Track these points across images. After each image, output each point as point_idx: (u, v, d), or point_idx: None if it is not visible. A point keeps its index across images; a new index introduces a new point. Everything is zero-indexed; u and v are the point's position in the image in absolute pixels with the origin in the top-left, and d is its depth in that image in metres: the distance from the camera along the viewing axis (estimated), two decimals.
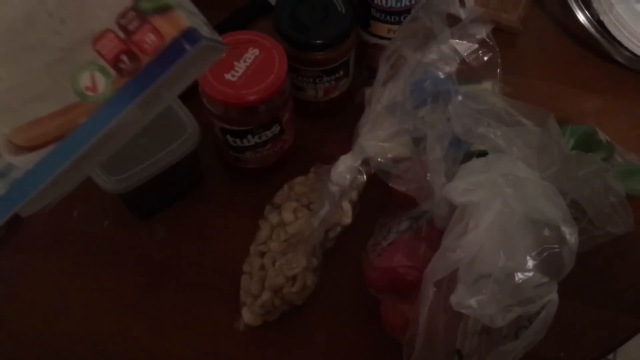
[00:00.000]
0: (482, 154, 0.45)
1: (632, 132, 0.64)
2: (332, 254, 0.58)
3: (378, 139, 0.47)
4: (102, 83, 0.26)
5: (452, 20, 0.49)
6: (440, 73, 0.44)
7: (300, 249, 0.55)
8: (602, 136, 0.60)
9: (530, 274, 0.37)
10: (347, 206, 0.57)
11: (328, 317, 0.56)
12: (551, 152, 0.42)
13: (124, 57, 0.26)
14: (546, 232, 0.38)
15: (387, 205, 0.57)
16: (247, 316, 0.55)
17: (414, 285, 0.49)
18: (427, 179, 0.47)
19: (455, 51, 0.44)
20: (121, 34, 0.26)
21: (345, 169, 0.50)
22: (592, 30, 0.67)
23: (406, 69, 0.44)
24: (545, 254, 0.37)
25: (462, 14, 0.68)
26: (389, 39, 0.62)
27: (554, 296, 0.36)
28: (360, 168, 0.52)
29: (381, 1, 0.58)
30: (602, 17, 0.65)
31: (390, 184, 0.49)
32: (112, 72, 0.26)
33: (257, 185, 0.62)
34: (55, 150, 0.26)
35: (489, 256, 0.37)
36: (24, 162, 0.26)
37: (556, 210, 0.38)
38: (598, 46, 0.67)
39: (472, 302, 0.36)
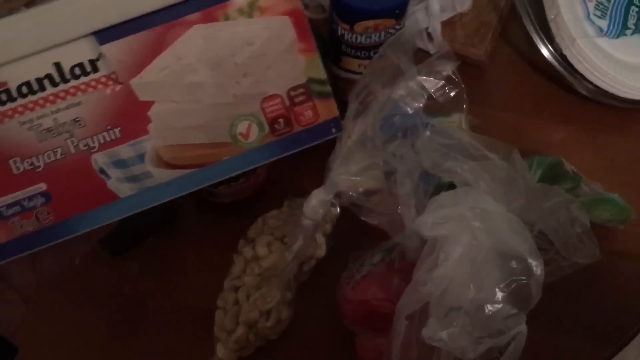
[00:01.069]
0: (452, 186, 0.46)
1: (597, 162, 0.66)
2: (306, 287, 0.58)
3: (349, 173, 0.48)
4: (254, 134, 0.31)
5: (420, 56, 0.50)
6: (408, 108, 0.45)
7: (275, 282, 0.55)
8: (568, 167, 0.61)
9: (500, 306, 0.37)
10: (321, 239, 0.58)
11: (303, 352, 0.56)
12: (517, 185, 0.43)
13: (281, 120, 0.31)
14: (513, 264, 0.38)
15: (361, 238, 0.57)
16: (222, 352, 0.54)
17: (388, 318, 0.49)
18: (399, 211, 0.48)
19: (423, 87, 0.45)
20: (287, 102, 0.31)
21: (317, 203, 0.51)
22: (555, 64, 0.69)
23: (375, 105, 0.45)
24: (513, 286, 0.38)
25: (431, 48, 0.70)
26: (360, 73, 0.63)
27: (522, 327, 0.37)
28: (333, 201, 0.53)
29: (351, 37, 0.60)
30: (564, 52, 0.68)
31: (362, 218, 0.49)
32: (267, 128, 0.31)
33: (230, 219, 0.62)
34: (192, 174, 0.30)
35: (459, 289, 0.38)
36: (161, 175, 0.30)
37: (522, 242, 0.39)
38: (562, 79, 0.69)
39: (444, 335, 0.36)
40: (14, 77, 0.28)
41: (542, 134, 0.69)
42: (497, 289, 0.38)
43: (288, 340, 0.56)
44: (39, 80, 0.28)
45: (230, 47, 0.29)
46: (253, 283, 0.55)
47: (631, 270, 0.60)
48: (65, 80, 0.28)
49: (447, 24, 0.71)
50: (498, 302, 0.38)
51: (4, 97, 0.28)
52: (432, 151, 0.42)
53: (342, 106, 0.66)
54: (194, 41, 0.29)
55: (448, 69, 0.44)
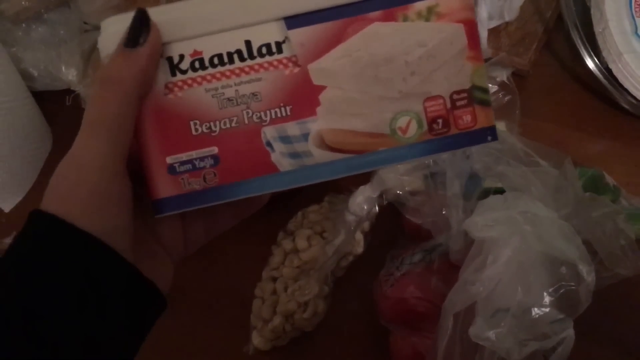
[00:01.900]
0: (499, 191, 0.46)
1: (637, 177, 0.66)
2: (342, 283, 0.59)
3: (398, 172, 0.48)
4: (413, 130, 0.32)
5: None
6: None
7: (313, 275, 0.56)
8: (609, 180, 0.62)
9: (547, 310, 0.38)
10: (359, 236, 0.59)
11: (336, 345, 0.57)
12: (566, 193, 0.43)
13: (440, 121, 0.32)
14: (563, 270, 0.39)
15: (397, 237, 0.58)
16: (257, 340, 0.55)
17: (424, 317, 0.50)
18: (443, 213, 0.48)
19: None
20: (448, 104, 0.32)
21: (363, 200, 0.52)
22: (600, 77, 0.69)
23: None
24: (562, 291, 0.38)
25: None
26: None
27: (570, 332, 0.37)
28: (378, 197, 0.54)
29: None
30: (610, 65, 0.68)
31: (407, 216, 0.50)
32: (425, 127, 0.32)
33: (270, 212, 0.63)
34: (348, 160, 0.32)
35: (507, 291, 0.39)
36: (320, 156, 0.32)
37: (573, 248, 0.39)
38: (605, 92, 0.69)
39: (491, 334, 0.37)
40: (209, 48, 0.31)
41: (582, 146, 0.69)
42: (545, 293, 0.38)
43: (322, 333, 0.57)
44: (230, 54, 0.31)
45: (404, 45, 0.31)
46: (291, 275, 0.56)
47: None
48: (252, 57, 0.31)
49: (492, 32, 0.72)
50: (545, 306, 0.38)
51: (197, 64, 0.31)
52: (484, 154, 0.43)
53: None
54: (372, 37, 0.31)
55: (503, 74, 0.45)
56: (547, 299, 0.38)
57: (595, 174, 0.61)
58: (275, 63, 0.31)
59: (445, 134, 0.32)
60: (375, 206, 0.56)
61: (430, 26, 0.31)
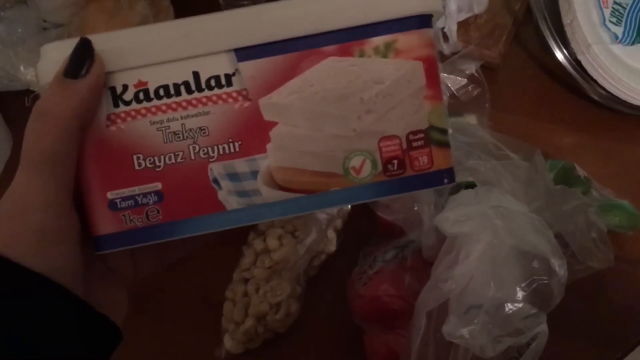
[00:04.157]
0: (470, 185, 0.46)
1: (608, 169, 0.66)
2: (315, 282, 0.58)
3: None
4: (367, 171, 0.31)
5: (440, 57, 0.50)
6: None
7: (285, 276, 0.54)
8: (580, 171, 0.62)
9: (520, 305, 0.38)
10: (332, 234, 0.58)
11: (311, 346, 0.56)
12: (537, 186, 0.43)
13: (395, 162, 0.31)
14: (535, 264, 0.38)
15: (370, 234, 0.57)
16: (229, 343, 0.54)
17: (398, 315, 0.49)
18: (415, 209, 0.48)
19: (446, 85, 0.45)
20: (404, 145, 0.31)
21: None
22: (569, 68, 0.69)
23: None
24: (534, 285, 0.38)
25: (446, 48, 0.70)
26: None
27: (543, 327, 0.37)
28: None
29: None
30: (579, 57, 0.68)
31: (378, 213, 0.49)
32: (380, 167, 0.31)
33: None
34: (298, 200, 0.31)
35: (480, 287, 0.38)
36: (270, 195, 0.30)
37: (545, 242, 0.39)
38: (575, 84, 0.69)
39: (464, 332, 0.36)
40: (155, 78, 0.29)
41: (553, 138, 0.69)
42: (517, 288, 0.38)
43: (296, 333, 0.56)
44: (176, 86, 0.30)
45: (360, 82, 0.30)
46: (263, 275, 0.55)
47: (639, 277, 0.60)
48: (200, 90, 0.30)
49: (462, 25, 0.71)
50: (518, 302, 0.38)
51: (141, 95, 0.30)
52: (454, 149, 0.42)
53: None
54: (326, 72, 0.30)
55: (472, 67, 0.44)
56: (520, 294, 0.38)
57: (566, 165, 0.61)
58: (224, 96, 0.30)
59: (400, 176, 0.31)
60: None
61: (387, 63, 0.30)
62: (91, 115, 0.29)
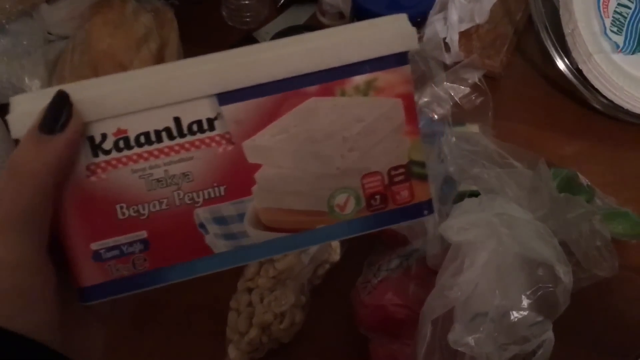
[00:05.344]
0: (474, 194, 0.46)
1: (611, 177, 0.66)
2: (319, 291, 0.58)
3: None
4: (351, 207, 0.31)
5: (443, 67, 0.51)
6: (434, 115, 0.46)
7: (289, 285, 0.54)
8: (583, 180, 0.62)
9: (525, 313, 0.38)
10: (335, 243, 0.58)
11: (315, 356, 0.56)
12: (541, 195, 0.43)
13: (377, 197, 0.31)
14: (540, 272, 0.38)
15: (374, 244, 0.57)
16: (234, 353, 0.54)
17: (403, 324, 0.49)
18: None
19: (449, 94, 0.45)
20: (386, 180, 0.31)
21: None
22: (571, 77, 0.69)
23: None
24: (539, 293, 0.38)
25: (447, 58, 0.71)
26: None
27: (549, 335, 0.37)
28: None
29: None
30: (580, 66, 0.68)
31: None
32: (363, 203, 0.31)
33: None
34: (285, 239, 0.31)
35: (485, 294, 0.38)
36: (257, 236, 0.30)
37: (550, 250, 0.39)
38: (577, 93, 0.70)
39: (470, 340, 0.36)
40: (135, 126, 0.29)
41: (555, 146, 0.69)
42: (523, 296, 0.38)
43: (300, 343, 0.56)
44: (157, 132, 0.29)
45: (342, 121, 0.30)
46: (267, 285, 0.55)
47: None
48: (182, 135, 0.29)
49: (464, 35, 0.72)
50: (524, 309, 0.38)
51: (121, 144, 0.29)
52: (459, 157, 0.42)
53: None
54: (309, 112, 0.30)
55: (474, 76, 0.45)
56: (525, 302, 0.38)
57: (569, 174, 0.61)
58: (207, 141, 0.29)
59: (382, 210, 0.31)
60: None
61: (368, 101, 0.30)
62: (68, 170, 0.28)
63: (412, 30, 0.29)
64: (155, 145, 0.29)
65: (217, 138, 0.29)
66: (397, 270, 0.51)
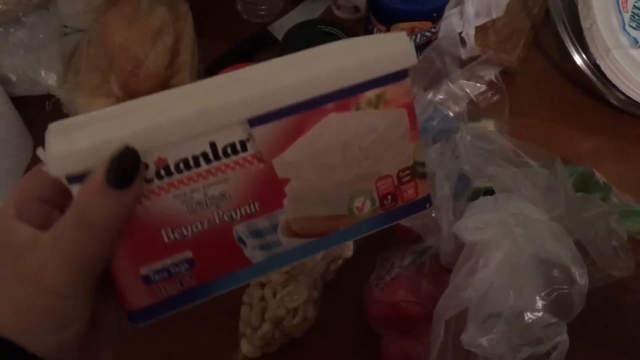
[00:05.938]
0: (489, 191, 0.46)
1: (627, 174, 0.65)
2: (332, 287, 0.58)
3: None
4: (367, 208, 0.34)
5: (459, 62, 0.50)
6: (449, 112, 0.45)
7: (302, 281, 0.55)
8: (599, 177, 0.61)
9: (540, 314, 0.37)
10: None
11: (327, 351, 0.56)
12: (557, 194, 0.43)
13: (389, 197, 0.35)
14: (555, 273, 0.38)
15: (387, 240, 0.57)
16: (246, 348, 0.54)
17: (415, 321, 0.49)
18: (433, 215, 0.47)
19: (465, 91, 0.45)
20: (396, 181, 0.35)
21: None
22: (588, 73, 0.68)
23: (416, 108, 0.45)
24: (554, 294, 0.38)
25: (463, 53, 0.70)
26: None
27: (564, 337, 0.37)
28: None
29: None
30: (598, 61, 0.67)
31: None
32: (377, 203, 0.35)
33: None
34: (313, 243, 0.34)
35: (499, 295, 0.38)
36: (289, 243, 0.33)
37: (565, 251, 0.39)
38: (594, 89, 0.69)
39: (483, 341, 0.36)
40: (174, 154, 0.30)
41: (572, 143, 0.68)
42: (537, 297, 0.38)
43: (313, 338, 0.56)
44: (195, 158, 0.30)
45: (357, 132, 0.33)
46: (280, 280, 0.55)
47: None
48: (218, 158, 0.30)
49: (480, 30, 0.71)
50: (538, 310, 0.37)
51: (162, 172, 0.30)
52: (474, 155, 0.42)
53: None
54: (329, 127, 0.32)
55: (491, 73, 0.44)
56: (539, 303, 0.37)
57: (585, 171, 0.60)
58: (241, 162, 0.31)
59: (393, 207, 0.35)
60: None
61: (379, 113, 0.33)
62: (132, 215, 0.29)
63: (412, 47, 0.32)
64: (194, 170, 0.30)
65: (250, 158, 0.31)
66: (410, 267, 0.51)
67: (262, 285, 0.56)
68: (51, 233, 0.28)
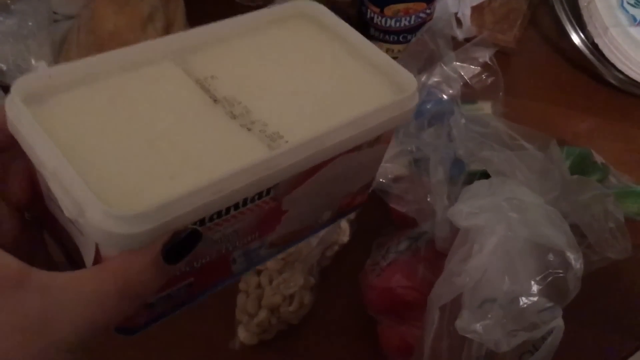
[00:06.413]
0: (484, 174, 0.45)
1: (626, 154, 0.65)
2: (328, 272, 0.58)
3: None
4: (328, 216, 0.39)
5: (454, 44, 0.49)
6: (443, 95, 0.44)
7: (298, 267, 0.54)
8: (597, 158, 0.60)
9: (535, 299, 0.37)
10: (345, 225, 0.57)
11: (324, 337, 0.56)
12: (553, 177, 0.42)
13: (346, 206, 0.40)
14: (550, 257, 0.38)
15: (383, 225, 0.57)
16: (243, 335, 0.54)
17: (412, 306, 0.49)
18: (428, 200, 0.47)
19: (459, 74, 0.44)
20: (355, 193, 0.39)
21: None
22: (586, 52, 0.68)
23: None
24: (549, 279, 0.37)
25: (459, 34, 0.69)
26: None
27: (559, 322, 0.36)
28: None
29: (380, 20, 0.59)
30: (596, 40, 0.66)
31: (390, 205, 0.49)
32: (336, 212, 0.39)
33: None
34: (282, 246, 0.37)
35: (494, 280, 0.37)
36: (266, 252, 0.36)
37: (560, 235, 0.38)
38: (592, 68, 0.68)
39: (478, 327, 0.36)
40: (211, 209, 0.28)
41: (570, 123, 0.67)
42: (532, 282, 0.37)
43: (310, 325, 0.56)
44: (228, 209, 0.29)
45: (351, 166, 0.34)
46: (276, 267, 0.55)
47: None
48: (245, 205, 0.30)
49: (476, 9, 0.70)
50: (533, 295, 0.37)
51: (197, 223, 0.29)
52: (468, 139, 0.41)
53: None
54: (334, 166, 0.33)
55: (485, 55, 0.43)
56: (535, 288, 0.37)
57: (583, 152, 0.60)
58: (260, 204, 0.31)
59: (343, 212, 0.39)
60: None
61: (373, 150, 0.35)
62: None
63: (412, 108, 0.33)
64: (223, 218, 0.29)
65: (268, 200, 0.31)
66: (405, 252, 0.51)
67: (259, 273, 0.56)
68: (73, 286, 0.25)
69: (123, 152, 0.28)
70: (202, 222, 0.28)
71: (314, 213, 0.36)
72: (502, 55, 0.71)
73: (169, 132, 0.29)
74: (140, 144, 0.29)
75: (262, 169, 0.28)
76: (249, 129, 0.31)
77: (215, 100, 0.31)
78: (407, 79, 0.33)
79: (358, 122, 0.31)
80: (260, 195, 0.30)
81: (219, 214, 0.29)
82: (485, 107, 0.57)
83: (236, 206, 0.29)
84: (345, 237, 0.57)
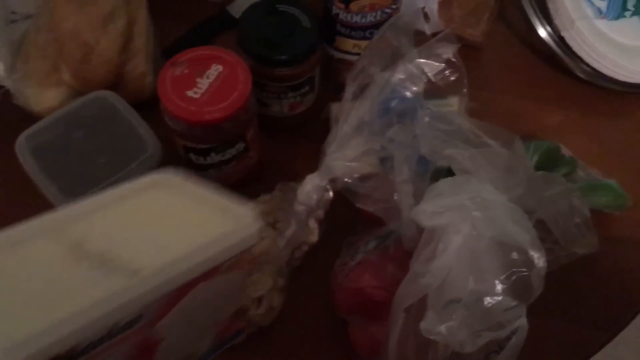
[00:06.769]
0: (451, 171, 0.45)
1: (593, 147, 0.65)
2: (298, 273, 0.57)
3: (345, 159, 0.46)
4: (207, 345, 0.44)
5: (419, 38, 0.49)
6: (407, 92, 0.44)
7: (266, 269, 0.53)
8: (565, 151, 0.60)
9: (500, 298, 0.37)
10: (313, 224, 0.56)
11: (295, 338, 0.55)
12: (517, 174, 0.42)
13: (222, 333, 0.46)
14: (514, 256, 0.37)
15: (354, 223, 0.56)
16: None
17: (382, 306, 0.48)
18: (395, 198, 0.46)
19: (422, 71, 0.43)
20: (229, 320, 0.45)
21: (312, 189, 0.50)
22: (553, 45, 0.67)
23: (373, 88, 0.44)
24: (513, 278, 0.37)
25: (427, 28, 0.68)
26: (355, 54, 0.61)
27: (523, 322, 0.36)
28: (327, 187, 0.52)
29: (346, 16, 0.58)
30: (563, 33, 0.66)
31: (357, 205, 0.48)
32: (214, 340, 0.44)
33: None
34: None
35: (458, 280, 0.37)
36: None
37: (524, 233, 0.38)
38: (560, 61, 0.68)
39: (442, 328, 0.35)
40: (83, 342, 0.31)
41: (539, 117, 0.67)
42: (497, 281, 0.37)
43: (280, 326, 0.55)
44: (100, 339, 0.32)
45: (216, 293, 0.39)
46: None
47: (627, 257, 0.60)
48: (115, 336, 0.32)
49: (444, 4, 0.70)
50: (498, 294, 0.37)
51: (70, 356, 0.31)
52: (431, 137, 0.41)
53: (336, 88, 0.65)
54: (196, 292, 0.36)
55: (449, 51, 0.43)
56: (499, 287, 0.37)
57: (551, 146, 0.60)
58: (132, 333, 0.33)
59: (221, 339, 0.44)
60: (328, 192, 0.54)
61: (230, 276, 0.39)
62: None
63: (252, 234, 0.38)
64: (97, 349, 0.31)
65: (140, 328, 0.33)
66: (374, 251, 0.51)
67: None
68: None
69: None
70: (73, 356, 0.31)
71: (191, 342, 0.40)
72: (470, 49, 0.70)
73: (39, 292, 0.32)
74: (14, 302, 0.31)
75: (119, 297, 0.31)
76: (113, 274, 0.33)
77: (83, 257, 0.34)
78: (243, 212, 0.38)
79: (201, 250, 0.35)
80: (129, 324, 0.33)
81: (92, 345, 0.31)
82: (453, 102, 0.57)
83: (109, 336, 0.32)
84: (314, 237, 0.57)
